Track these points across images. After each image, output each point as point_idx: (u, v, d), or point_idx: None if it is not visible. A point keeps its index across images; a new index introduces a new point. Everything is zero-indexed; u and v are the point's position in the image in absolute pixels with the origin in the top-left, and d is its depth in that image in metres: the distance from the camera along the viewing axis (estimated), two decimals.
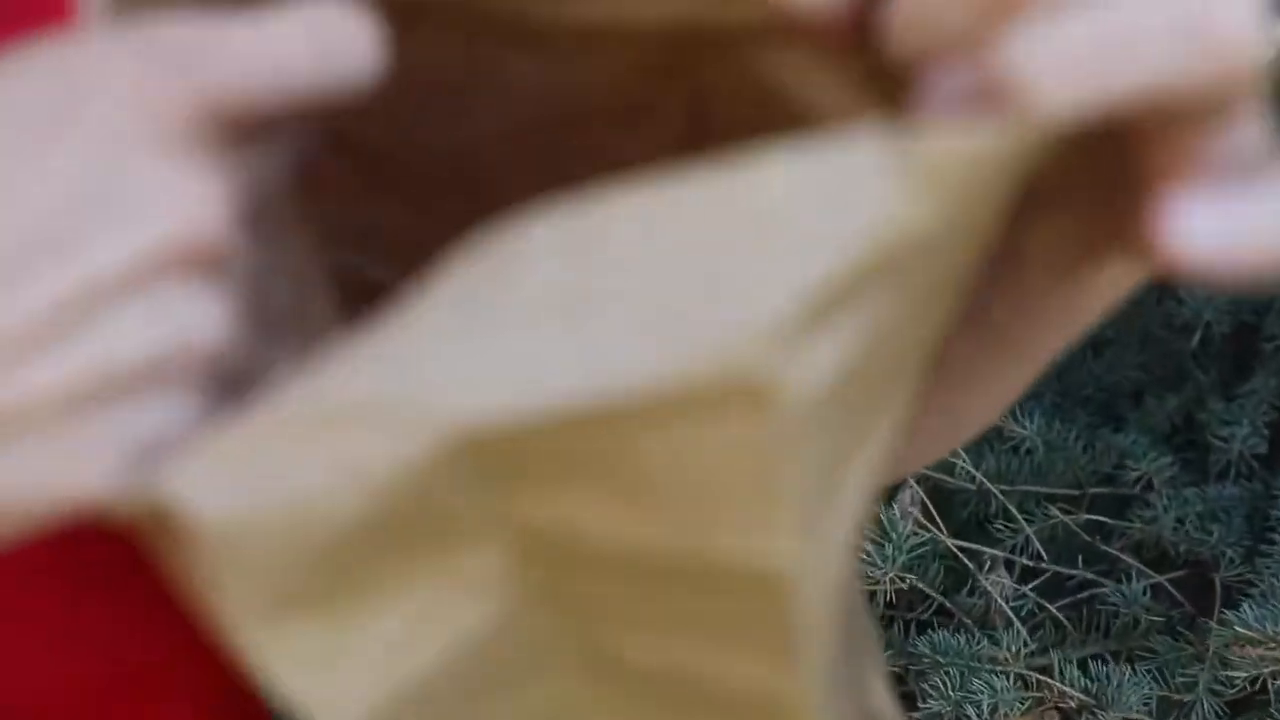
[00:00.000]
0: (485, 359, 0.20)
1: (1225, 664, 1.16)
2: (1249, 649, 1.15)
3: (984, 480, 1.26)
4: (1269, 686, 1.15)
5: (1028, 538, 1.27)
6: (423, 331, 0.20)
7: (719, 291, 0.20)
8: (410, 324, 0.21)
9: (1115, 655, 1.24)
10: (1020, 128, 0.20)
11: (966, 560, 1.25)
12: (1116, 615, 1.27)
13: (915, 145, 0.20)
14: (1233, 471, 1.34)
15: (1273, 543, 1.25)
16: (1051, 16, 0.21)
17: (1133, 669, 1.20)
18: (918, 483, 1.21)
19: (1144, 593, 1.27)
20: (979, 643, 1.18)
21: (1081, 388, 1.55)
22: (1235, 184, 0.21)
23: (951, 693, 1.13)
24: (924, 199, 0.20)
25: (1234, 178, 0.22)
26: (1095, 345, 1.62)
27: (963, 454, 1.24)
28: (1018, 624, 1.21)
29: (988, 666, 1.16)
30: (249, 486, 0.20)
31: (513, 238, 0.21)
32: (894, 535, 1.17)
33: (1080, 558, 1.31)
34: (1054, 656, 1.20)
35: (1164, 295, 1.74)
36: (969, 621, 1.24)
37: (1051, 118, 0.20)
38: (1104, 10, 0.21)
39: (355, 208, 0.32)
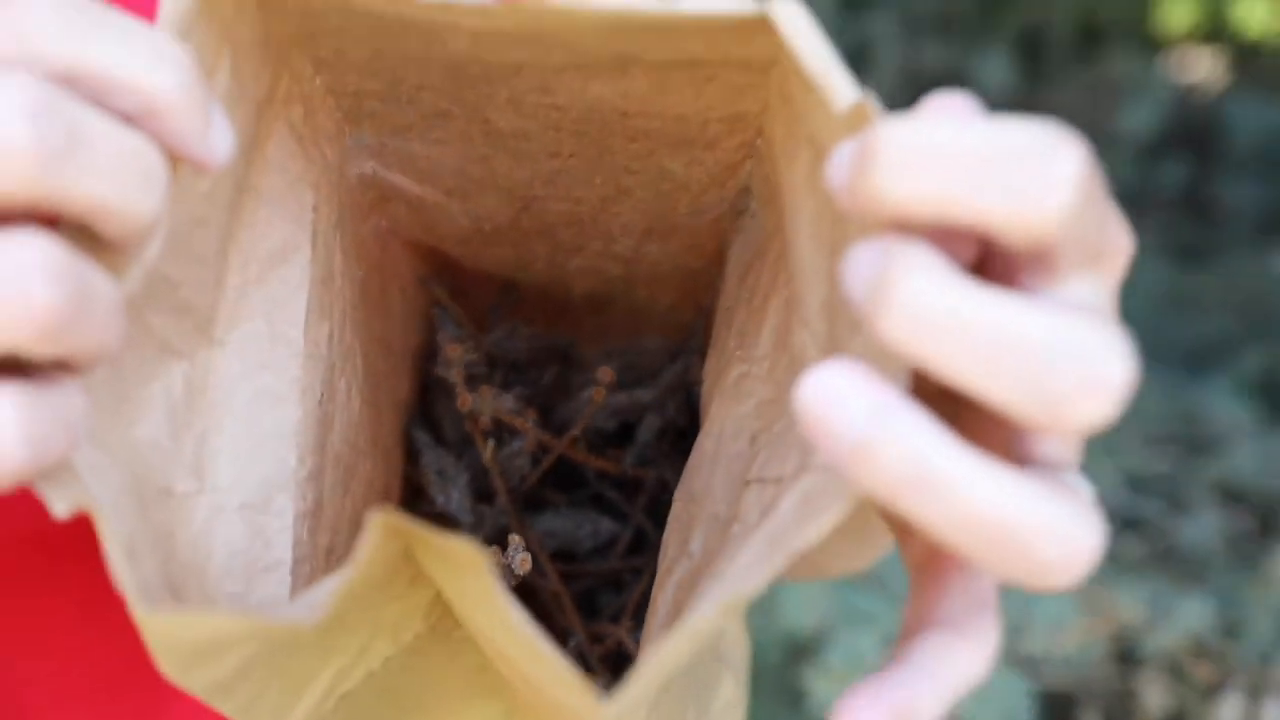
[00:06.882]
0: None
1: None
2: None
3: None
4: None
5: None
6: None
7: None
8: None
9: (1177, 581, 1.28)
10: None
11: None
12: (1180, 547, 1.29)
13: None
14: None
15: None
16: None
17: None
18: None
19: (1211, 527, 1.29)
20: None
21: (1172, 336, 1.52)
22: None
23: (1010, 611, 1.18)
24: None
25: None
26: (1185, 298, 1.58)
27: None
28: None
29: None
30: None
31: None
32: None
33: (1153, 495, 1.35)
34: (1114, 579, 1.25)
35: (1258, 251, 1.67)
36: None
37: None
38: None
39: None
